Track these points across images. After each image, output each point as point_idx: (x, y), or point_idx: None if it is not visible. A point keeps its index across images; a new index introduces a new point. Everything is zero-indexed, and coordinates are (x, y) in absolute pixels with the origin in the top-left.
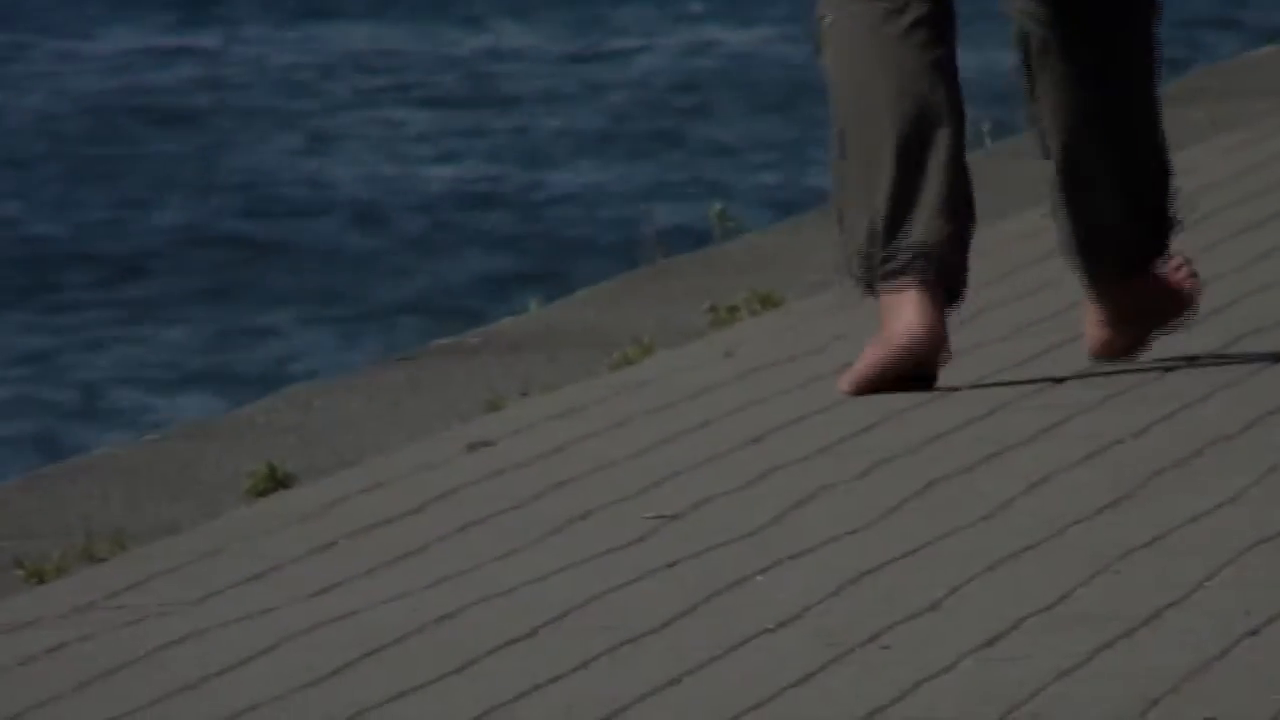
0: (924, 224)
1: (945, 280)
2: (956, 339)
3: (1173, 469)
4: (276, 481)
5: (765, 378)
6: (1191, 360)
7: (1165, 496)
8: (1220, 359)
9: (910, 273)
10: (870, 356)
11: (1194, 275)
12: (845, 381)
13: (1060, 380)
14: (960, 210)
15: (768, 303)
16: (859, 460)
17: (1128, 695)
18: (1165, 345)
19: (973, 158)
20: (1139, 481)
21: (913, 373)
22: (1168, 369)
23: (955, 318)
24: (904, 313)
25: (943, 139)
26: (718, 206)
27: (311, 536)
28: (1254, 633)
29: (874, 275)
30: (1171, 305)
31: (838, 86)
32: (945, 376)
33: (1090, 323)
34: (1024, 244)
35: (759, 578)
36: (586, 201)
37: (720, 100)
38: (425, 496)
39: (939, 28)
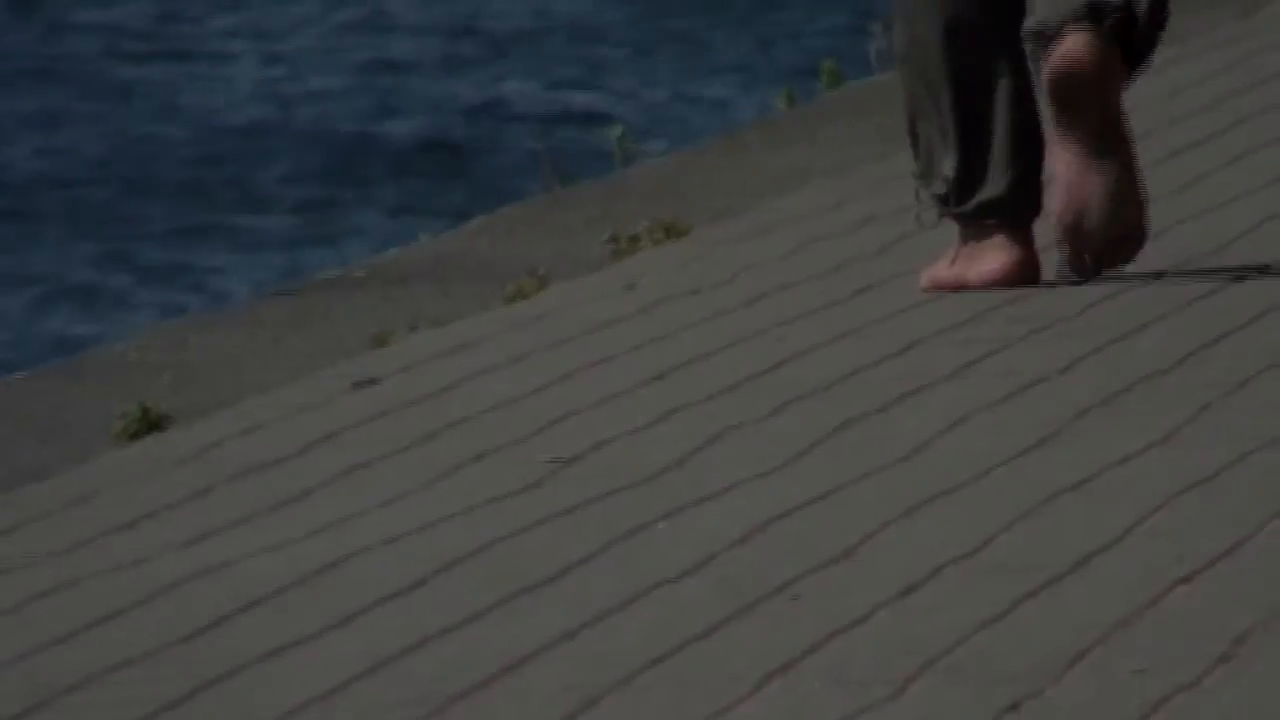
0: (994, 180)
1: (1026, 214)
2: (870, 272)
3: (1100, 407)
4: (150, 423)
5: (668, 311)
6: (1120, 292)
7: (1092, 436)
8: (1151, 290)
9: (993, 226)
10: (958, 279)
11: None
12: (928, 283)
13: (980, 314)
14: (1026, 146)
15: (671, 232)
16: (768, 399)
17: (1053, 647)
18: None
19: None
20: (1065, 420)
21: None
22: (1094, 301)
23: (863, 249)
24: (991, 253)
25: (1002, 73)
26: (619, 129)
27: (187, 482)
28: (1186, 580)
29: (950, 214)
30: (1135, 210)
31: (902, 17)
32: (856, 314)
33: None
34: None
35: (661, 524)
36: (488, 117)
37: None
38: (307, 439)
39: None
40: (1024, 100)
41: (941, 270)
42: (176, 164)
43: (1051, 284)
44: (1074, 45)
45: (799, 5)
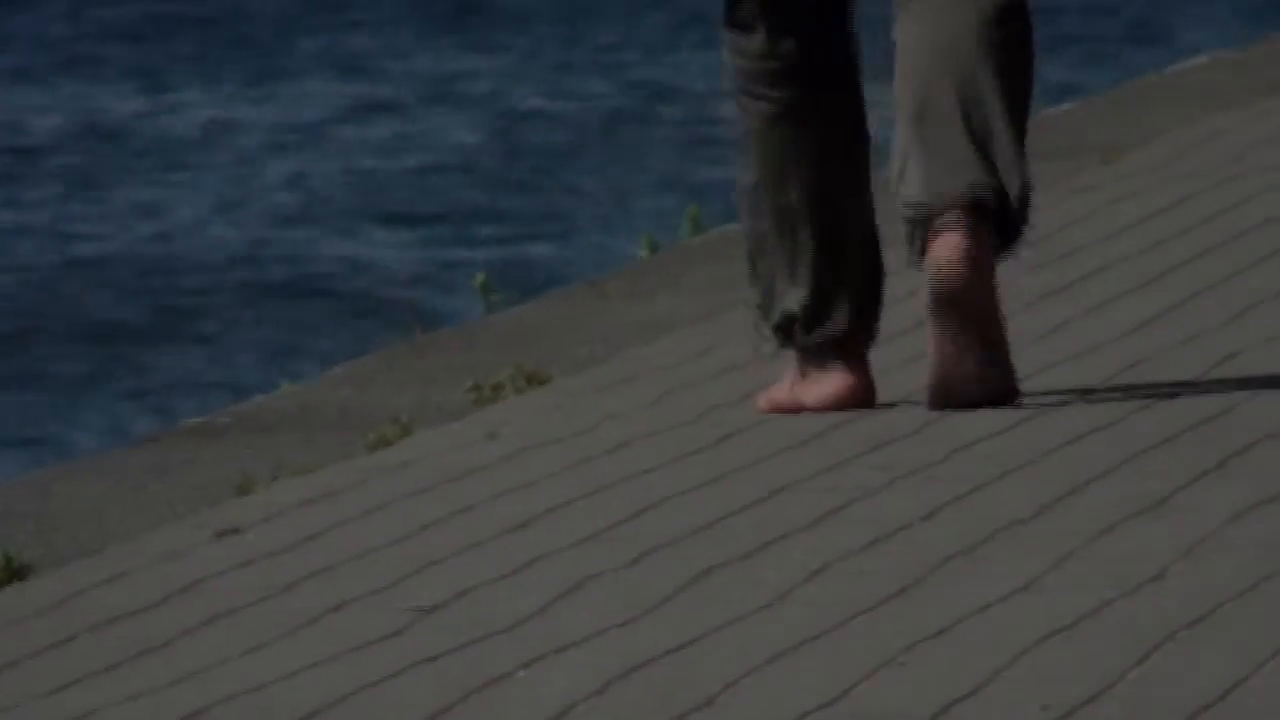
0: (844, 315)
1: (865, 344)
2: (732, 419)
3: (962, 555)
4: (12, 572)
5: (530, 460)
6: (981, 440)
7: (954, 584)
8: (1012, 438)
9: (833, 354)
10: (796, 402)
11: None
12: (766, 405)
13: (842, 462)
14: (872, 279)
15: (534, 380)
16: (629, 548)
17: None
18: (952, 428)
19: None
20: (927, 569)
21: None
22: (956, 449)
23: (726, 396)
24: (829, 380)
25: (854, 215)
26: (481, 276)
27: (49, 630)
28: None
29: (793, 345)
30: (1003, 381)
31: (755, 153)
32: (718, 462)
33: (933, 355)
34: None
35: (521, 673)
36: (347, 269)
37: (487, 165)
38: (169, 587)
39: (845, 110)
40: (873, 235)
41: (779, 393)
42: (45, 301)
43: (890, 404)
44: (952, 249)
45: (662, 149)
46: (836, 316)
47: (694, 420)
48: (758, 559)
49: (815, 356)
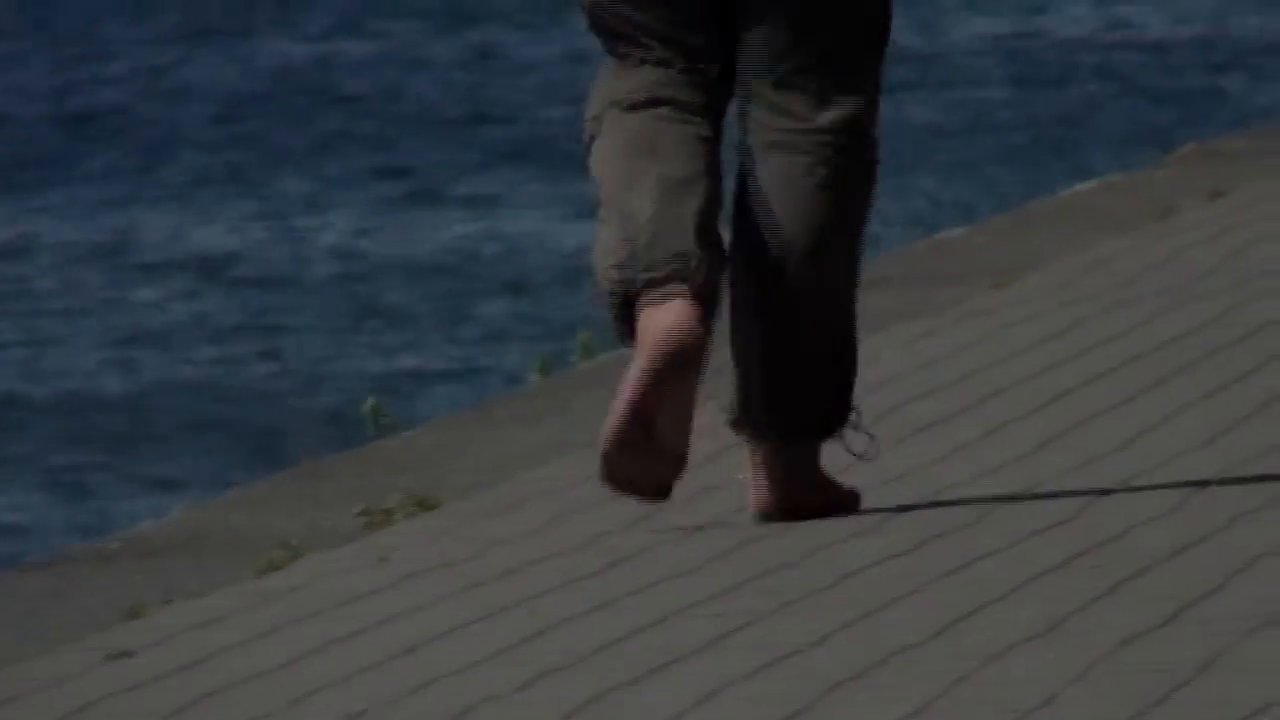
0: (686, 239)
1: (706, 293)
2: (622, 545)
3: (852, 680)
4: None
5: (421, 584)
6: (873, 564)
7: (845, 709)
8: (905, 563)
9: (673, 280)
10: (631, 372)
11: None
12: (607, 426)
13: (733, 587)
14: (717, 242)
15: (424, 504)
16: (519, 672)
17: None
18: (843, 552)
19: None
20: (817, 694)
21: (679, 375)
22: (848, 574)
23: (615, 521)
24: (666, 315)
25: (700, 189)
26: (371, 400)
27: None
28: None
29: (632, 286)
30: (836, 499)
31: (603, 164)
32: (608, 587)
33: (758, 483)
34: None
35: None
36: (235, 394)
37: (384, 281)
38: (59, 712)
39: (706, 117)
40: (715, 214)
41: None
42: None
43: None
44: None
45: (555, 275)
46: (676, 241)
47: (583, 545)
48: (647, 684)
49: (655, 296)
